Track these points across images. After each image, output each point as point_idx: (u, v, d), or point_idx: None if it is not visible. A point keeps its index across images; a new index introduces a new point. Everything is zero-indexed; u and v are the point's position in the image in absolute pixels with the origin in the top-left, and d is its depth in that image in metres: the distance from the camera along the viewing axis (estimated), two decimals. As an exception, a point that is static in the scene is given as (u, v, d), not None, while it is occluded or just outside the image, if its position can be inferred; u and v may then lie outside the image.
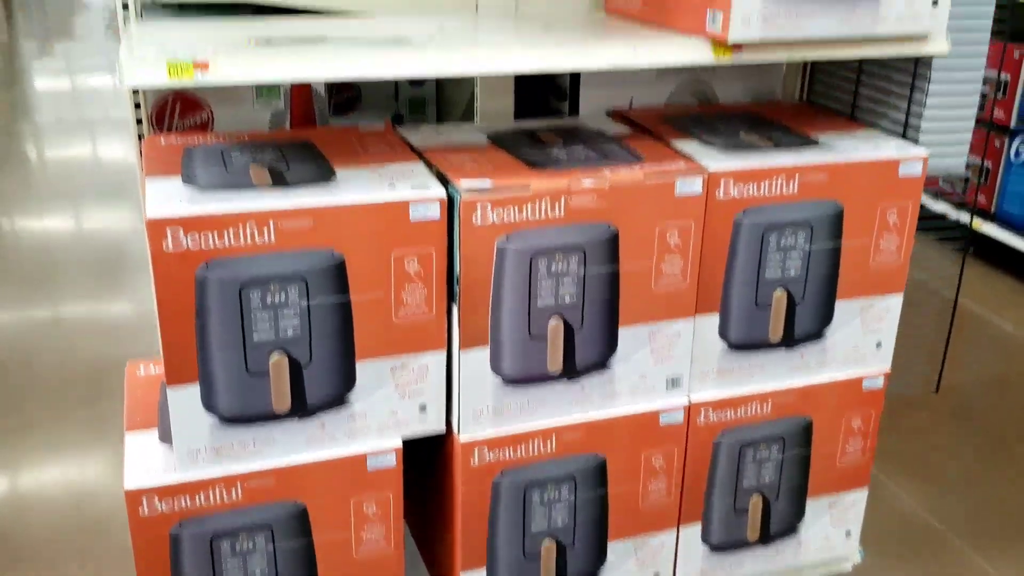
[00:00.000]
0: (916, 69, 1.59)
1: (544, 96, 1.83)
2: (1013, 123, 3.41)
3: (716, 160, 1.46)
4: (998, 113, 3.47)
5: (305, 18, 1.50)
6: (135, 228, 4.11)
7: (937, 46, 1.47)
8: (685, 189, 1.42)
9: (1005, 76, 3.42)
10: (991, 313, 3.32)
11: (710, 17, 1.36)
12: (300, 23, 1.46)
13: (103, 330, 3.27)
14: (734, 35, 1.34)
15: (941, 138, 1.61)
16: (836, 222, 1.52)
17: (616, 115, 1.71)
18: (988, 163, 3.53)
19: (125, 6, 1.41)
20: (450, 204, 1.32)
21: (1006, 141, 3.43)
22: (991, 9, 1.56)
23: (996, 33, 3.63)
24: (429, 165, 1.40)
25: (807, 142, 1.56)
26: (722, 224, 1.47)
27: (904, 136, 1.63)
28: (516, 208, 1.34)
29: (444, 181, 1.35)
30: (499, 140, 1.53)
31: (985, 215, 3.57)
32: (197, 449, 1.30)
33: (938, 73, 1.56)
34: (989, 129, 3.50)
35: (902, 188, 1.53)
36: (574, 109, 1.75)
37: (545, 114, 1.79)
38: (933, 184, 3.73)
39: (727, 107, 1.77)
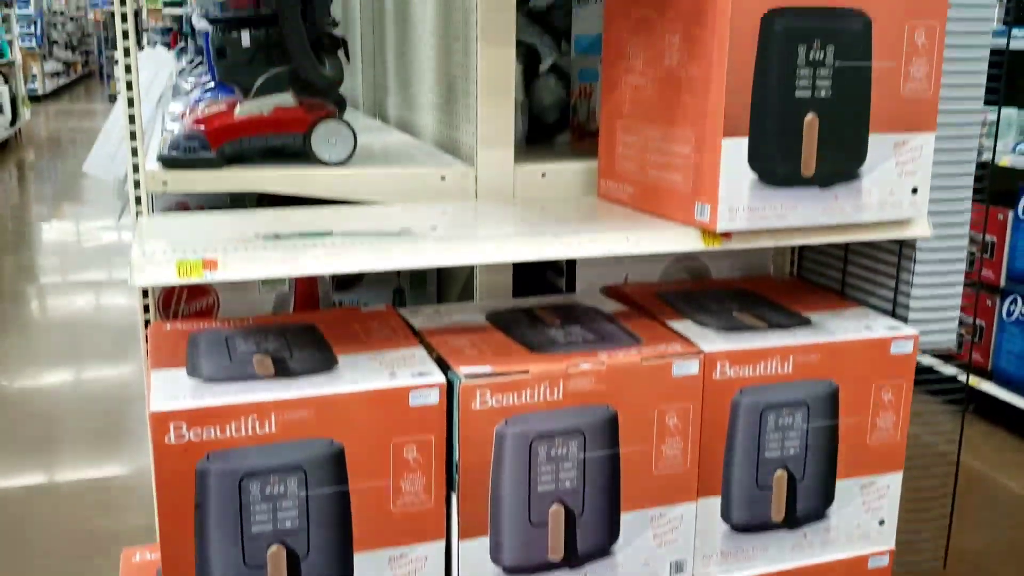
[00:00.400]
0: (901, 249, 1.64)
1: (542, 271, 1.88)
2: (1002, 283, 3.48)
3: (712, 341, 1.48)
4: (987, 273, 3.54)
5: (312, 208, 1.56)
6: (137, 387, 4.11)
7: (919, 230, 1.53)
8: (682, 371, 1.44)
9: (991, 238, 3.52)
10: (996, 473, 3.29)
11: (698, 209, 1.42)
12: (307, 213, 1.52)
13: (98, 498, 3.23)
14: (722, 226, 1.39)
15: (930, 315, 1.64)
16: (832, 401, 1.54)
17: (612, 291, 1.75)
18: (981, 322, 3.58)
19: (138, 200, 1.47)
20: (449, 389, 1.34)
21: (997, 300, 3.49)
22: (969, 193, 1.63)
23: (977, 194, 3.77)
24: (429, 349, 1.43)
25: (800, 321, 1.60)
26: (720, 404, 1.48)
27: (894, 313, 1.67)
28: (515, 393, 1.35)
29: (444, 366, 1.37)
30: (498, 320, 1.57)
31: (983, 373, 3.59)
32: (190, 646, 1.26)
33: (923, 253, 1.61)
34: (979, 289, 3.57)
35: (895, 366, 1.56)
36: (571, 284, 1.80)
37: (543, 289, 1.84)
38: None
39: (719, 283, 1.82)
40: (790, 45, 1.36)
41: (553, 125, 2.09)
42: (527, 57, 2.04)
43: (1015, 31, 3.51)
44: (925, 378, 3.69)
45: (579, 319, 1.58)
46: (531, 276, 1.86)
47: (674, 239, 1.43)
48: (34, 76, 14.47)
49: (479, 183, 1.70)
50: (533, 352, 1.43)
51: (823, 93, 1.39)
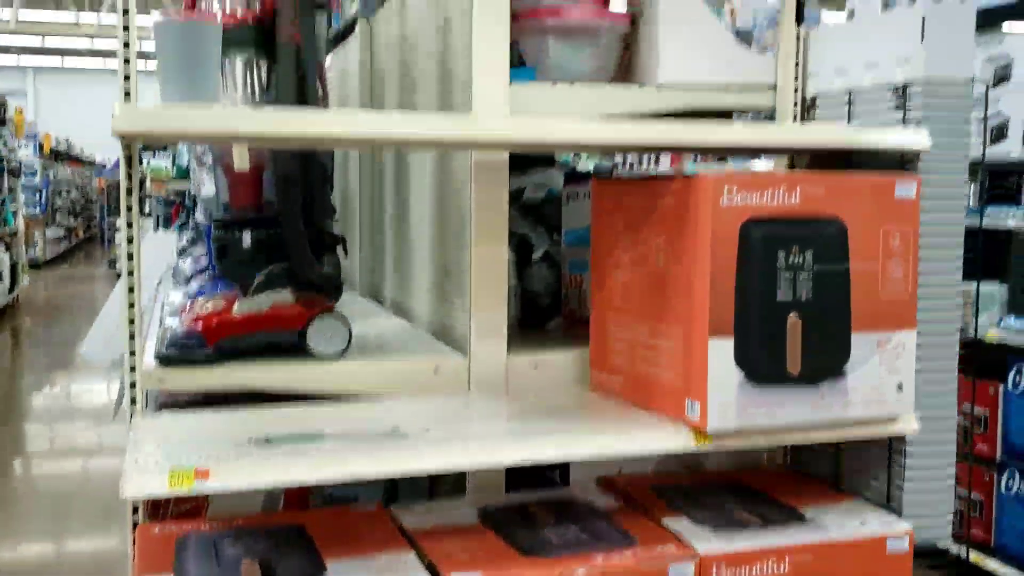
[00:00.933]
0: (891, 444, 1.65)
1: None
2: (999, 457, 3.47)
3: (707, 541, 1.47)
4: (981, 447, 3.53)
5: (305, 406, 1.57)
6: (120, 555, 3.98)
7: (906, 426, 1.54)
8: (678, 574, 1.42)
9: (984, 411, 3.53)
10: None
11: (688, 406, 1.44)
12: (299, 411, 1.53)
13: None
14: (713, 425, 1.40)
15: (924, 509, 1.63)
16: (831, 602, 1.51)
17: (606, 484, 1.74)
18: (980, 496, 3.54)
19: (133, 400, 1.48)
20: (441, 597, 1.31)
21: (995, 475, 3.47)
22: (954, 385, 1.65)
23: (963, 370, 3.81)
24: (421, 554, 1.41)
25: (794, 517, 1.58)
26: (716, 608, 1.45)
27: (888, 506, 1.66)
28: (507, 600, 1.33)
29: (434, 572, 1.35)
30: (491, 518, 1.55)
31: (985, 549, 3.52)
32: None
33: (913, 448, 1.62)
34: (972, 463, 3.56)
35: (891, 565, 1.53)
36: (564, 475, 1.79)
37: (537, 479, 1.83)
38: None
39: (714, 476, 1.81)
40: (769, 251, 1.41)
41: (546, 310, 2.14)
42: (520, 246, 2.11)
43: (990, 210, 3.64)
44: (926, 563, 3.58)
45: (573, 517, 1.56)
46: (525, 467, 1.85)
47: (666, 438, 1.44)
48: (35, 242, 14.76)
49: (472, 373, 1.72)
50: (525, 555, 1.41)
51: (804, 295, 1.44)
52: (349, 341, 1.69)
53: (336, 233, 1.82)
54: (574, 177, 2.05)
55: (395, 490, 2.00)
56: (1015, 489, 3.41)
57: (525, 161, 2.13)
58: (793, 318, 1.43)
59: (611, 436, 1.42)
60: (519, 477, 1.81)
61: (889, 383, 1.50)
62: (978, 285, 3.50)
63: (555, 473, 1.82)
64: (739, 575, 1.46)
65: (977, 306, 3.54)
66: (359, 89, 2.64)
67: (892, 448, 1.65)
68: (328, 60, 2.75)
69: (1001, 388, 3.45)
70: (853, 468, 1.75)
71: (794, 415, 1.45)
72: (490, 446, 1.37)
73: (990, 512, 3.52)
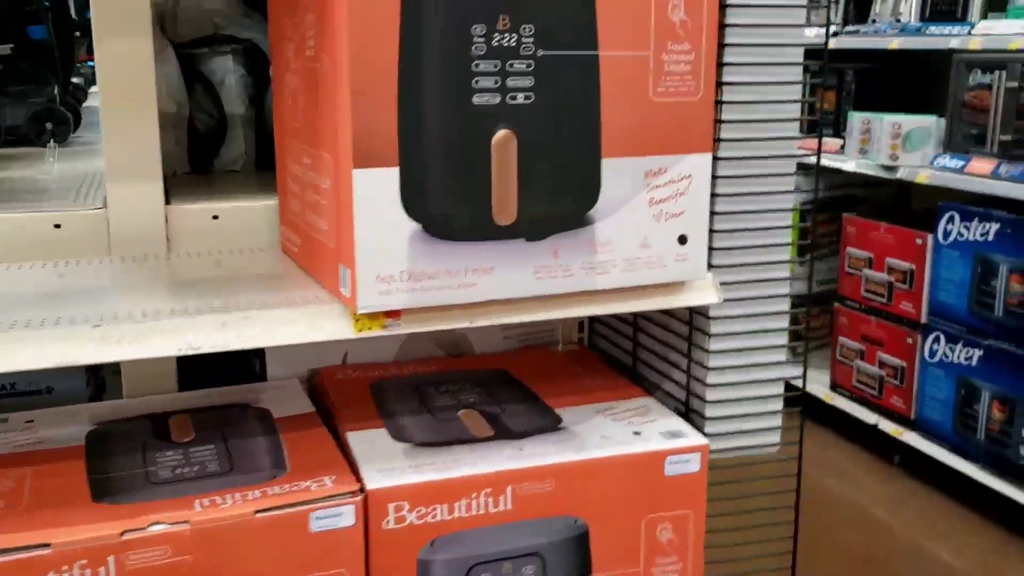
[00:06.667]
0: (692, 321, 1.16)
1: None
2: (923, 318, 3.03)
3: (390, 471, 1.00)
4: (905, 305, 3.09)
5: None
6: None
7: (698, 296, 1.05)
8: (325, 523, 0.95)
9: (908, 265, 3.06)
10: (924, 539, 2.83)
11: (342, 275, 0.93)
12: None
13: None
14: (365, 302, 0.90)
15: (735, 410, 1.16)
16: (578, 549, 1.05)
17: (318, 379, 1.26)
18: (901, 362, 3.12)
19: None
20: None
21: (919, 338, 3.04)
22: (787, 234, 1.15)
23: (889, 216, 3.34)
24: (-71, 503, 0.93)
25: (545, 424, 1.11)
26: (397, 568, 0.99)
27: (687, 407, 1.19)
28: None
29: (-66, 533, 0.88)
30: (100, 437, 1.07)
31: (905, 422, 3.13)
32: None
33: (719, 327, 1.13)
34: (894, 323, 3.12)
35: (674, 492, 1.07)
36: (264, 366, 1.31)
37: (234, 370, 1.34)
38: (853, 390, 3.30)
39: (472, 362, 1.33)
40: (457, 24, 0.88)
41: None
42: (249, 57, 1.56)
43: (935, 27, 3.07)
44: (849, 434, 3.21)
45: (217, 435, 1.09)
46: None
47: (313, 326, 0.94)
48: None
49: (112, 230, 1.20)
50: (98, 501, 0.93)
51: (521, 98, 0.91)
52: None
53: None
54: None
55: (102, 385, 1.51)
56: (939, 354, 2.98)
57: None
58: (503, 134, 0.91)
59: (239, 325, 0.92)
60: (204, 370, 1.33)
61: (665, 234, 1.00)
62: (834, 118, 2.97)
63: (256, 363, 1.34)
64: (434, 518, 0.99)
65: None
66: None
67: (693, 327, 1.16)
68: None
69: (930, 239, 2.98)
70: (652, 350, 1.27)
71: (508, 286, 0.95)
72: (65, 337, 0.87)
73: (911, 380, 3.11)
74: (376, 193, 0.88)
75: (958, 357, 2.92)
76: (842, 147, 3.35)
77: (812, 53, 1.16)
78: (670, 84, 0.96)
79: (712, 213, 1.09)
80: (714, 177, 1.08)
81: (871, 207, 3.48)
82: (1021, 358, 2.67)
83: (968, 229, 2.86)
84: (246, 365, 1.36)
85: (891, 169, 3.09)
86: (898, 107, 3.27)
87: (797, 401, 1.22)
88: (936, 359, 3.00)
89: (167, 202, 1.23)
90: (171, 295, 1.01)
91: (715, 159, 1.08)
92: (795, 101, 1.11)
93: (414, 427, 1.10)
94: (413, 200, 0.89)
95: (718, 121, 1.07)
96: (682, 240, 1.00)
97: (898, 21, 3.44)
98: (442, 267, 0.92)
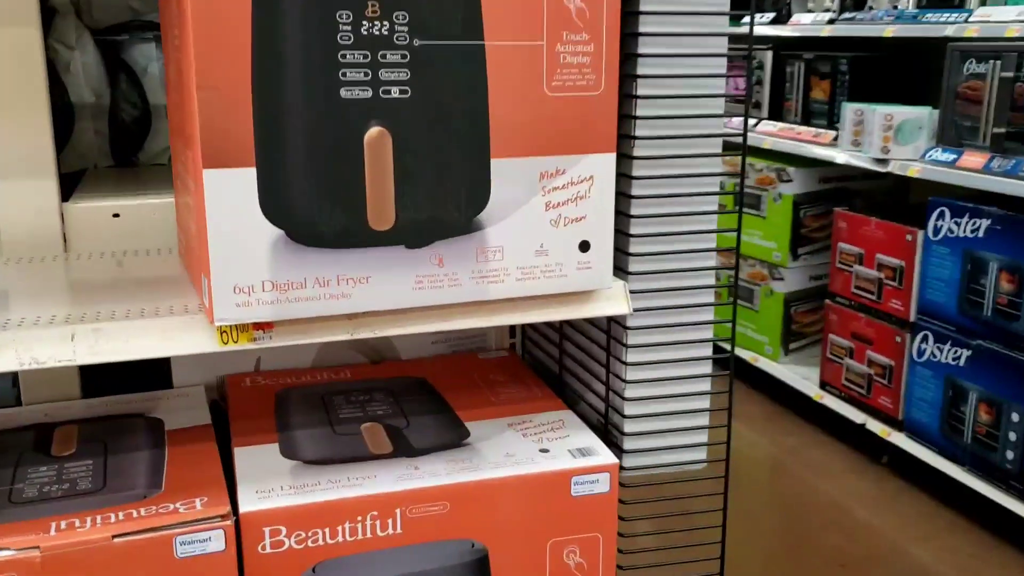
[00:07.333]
0: (609, 328, 1.09)
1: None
2: (912, 316, 2.93)
3: (268, 493, 0.93)
4: (894, 303, 2.99)
5: None
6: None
7: (604, 306, 0.97)
8: (192, 549, 0.88)
9: (898, 262, 2.97)
10: (905, 542, 2.75)
11: (203, 285, 0.86)
12: None
13: None
14: (219, 314, 0.83)
15: (656, 424, 1.09)
16: (477, 574, 0.98)
17: (228, 387, 1.20)
18: (889, 361, 3.03)
19: None
20: None
21: (907, 337, 2.94)
22: (711, 244, 1.07)
23: (877, 211, 3.23)
24: None
25: (451, 439, 1.04)
26: (272, 595, 0.93)
27: (606, 420, 1.11)
28: None
29: None
30: (-17, 449, 1.01)
31: (893, 422, 3.04)
32: None
33: (636, 338, 1.06)
34: (883, 322, 3.03)
35: (581, 514, 1.00)
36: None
37: (148, 375, 1.28)
38: (842, 389, 3.21)
39: (389, 368, 1.26)
40: (319, 11, 0.80)
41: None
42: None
43: (932, 14, 2.97)
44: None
45: (106, 445, 1.02)
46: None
47: (171, 338, 0.87)
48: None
49: (2, 233, 1.14)
50: (-51, 521, 0.87)
51: (396, 92, 0.84)
52: None
53: None
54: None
55: None
56: (928, 354, 2.89)
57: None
58: (376, 132, 0.84)
59: (89, 338, 0.85)
60: (112, 375, 1.26)
61: (564, 241, 0.92)
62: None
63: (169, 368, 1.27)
64: (315, 542, 0.92)
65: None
66: None
67: (611, 336, 1.09)
68: None
69: (920, 235, 2.88)
70: (574, 362, 1.20)
71: (385, 297, 0.88)
72: None
73: (899, 380, 3.02)
74: (231, 196, 0.81)
75: (946, 357, 2.82)
76: (835, 139, 3.26)
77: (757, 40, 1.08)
78: (567, 77, 0.89)
79: (627, 216, 1.01)
80: (629, 177, 1.01)
81: (866, 201, 3.38)
82: (1009, 359, 2.58)
83: (958, 225, 2.76)
84: (157, 370, 1.30)
85: (883, 162, 2.99)
86: (894, 98, 3.17)
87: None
88: (924, 359, 2.90)
89: (64, 199, 1.17)
90: (38, 302, 0.94)
91: (629, 158, 1.00)
92: (718, 96, 1.03)
93: (307, 442, 1.04)
94: (273, 204, 0.82)
95: (632, 117, 0.99)
96: (584, 247, 0.93)
97: (895, 8, 3.33)
98: (311, 275, 0.85)
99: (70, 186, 1.27)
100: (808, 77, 3.51)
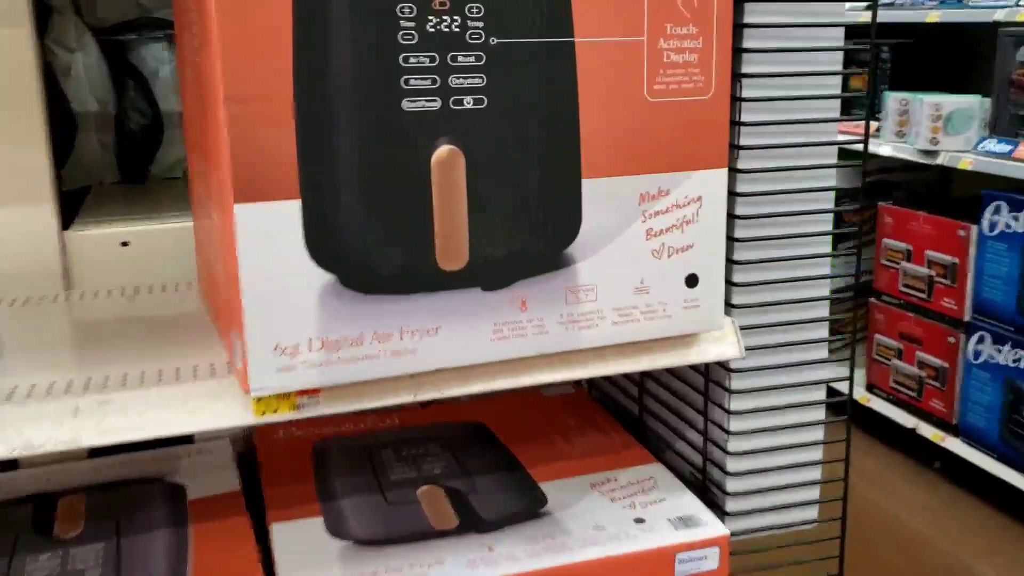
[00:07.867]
0: (708, 375, 0.93)
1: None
2: (967, 315, 2.77)
3: (314, 581, 0.77)
4: (947, 302, 2.83)
5: None
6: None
7: (714, 350, 0.81)
8: (227, 663, 0.73)
9: (951, 259, 2.80)
10: (969, 557, 2.59)
11: (234, 344, 0.70)
12: None
13: None
14: (258, 382, 0.67)
15: (760, 482, 0.93)
16: (563, 674, 0.83)
17: (249, 440, 1.04)
18: (943, 363, 2.86)
19: None
20: None
21: (961, 337, 2.78)
22: (826, 263, 0.91)
23: (928, 205, 3.07)
24: None
25: (524, 505, 0.88)
26: None
27: (704, 475, 0.95)
28: None
29: None
30: (-25, 529, 0.86)
31: (946, 427, 2.88)
32: None
33: (742, 382, 0.90)
34: (936, 322, 2.86)
35: (685, 599, 0.84)
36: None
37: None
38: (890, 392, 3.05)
39: (447, 410, 1.10)
40: (375, 4, 0.64)
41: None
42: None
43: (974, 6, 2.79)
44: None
45: (118, 523, 0.87)
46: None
47: (196, 411, 0.71)
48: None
49: (-4, 266, 0.99)
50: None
51: (469, 102, 0.67)
52: None
53: None
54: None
55: None
56: (984, 355, 2.72)
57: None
58: (446, 152, 0.68)
59: (94, 414, 0.70)
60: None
61: (668, 275, 0.76)
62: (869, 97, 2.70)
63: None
64: (370, 648, 0.77)
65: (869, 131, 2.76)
66: None
67: (710, 380, 0.92)
68: None
69: (974, 231, 2.71)
70: (659, 404, 1.04)
71: (458, 350, 0.72)
72: None
73: (953, 383, 2.85)
74: (269, 236, 0.65)
75: (1005, 359, 2.66)
76: (877, 130, 3.08)
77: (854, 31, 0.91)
78: (672, 79, 0.72)
79: (730, 239, 0.85)
80: (733, 194, 0.85)
81: (908, 194, 3.21)
82: (1079, 363, 2.41)
83: (1016, 220, 2.59)
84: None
85: (931, 154, 2.82)
86: (937, 86, 3.00)
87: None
88: (980, 360, 2.74)
89: (65, 227, 1.02)
90: (34, 362, 0.78)
91: (733, 171, 0.84)
92: (834, 96, 0.87)
93: (358, 515, 0.88)
94: (323, 244, 0.66)
95: (736, 123, 0.83)
96: (691, 281, 0.77)
97: (936, -9, 3.15)
98: (368, 329, 0.69)
99: (72, 208, 1.11)
100: (846, 66, 3.34)
